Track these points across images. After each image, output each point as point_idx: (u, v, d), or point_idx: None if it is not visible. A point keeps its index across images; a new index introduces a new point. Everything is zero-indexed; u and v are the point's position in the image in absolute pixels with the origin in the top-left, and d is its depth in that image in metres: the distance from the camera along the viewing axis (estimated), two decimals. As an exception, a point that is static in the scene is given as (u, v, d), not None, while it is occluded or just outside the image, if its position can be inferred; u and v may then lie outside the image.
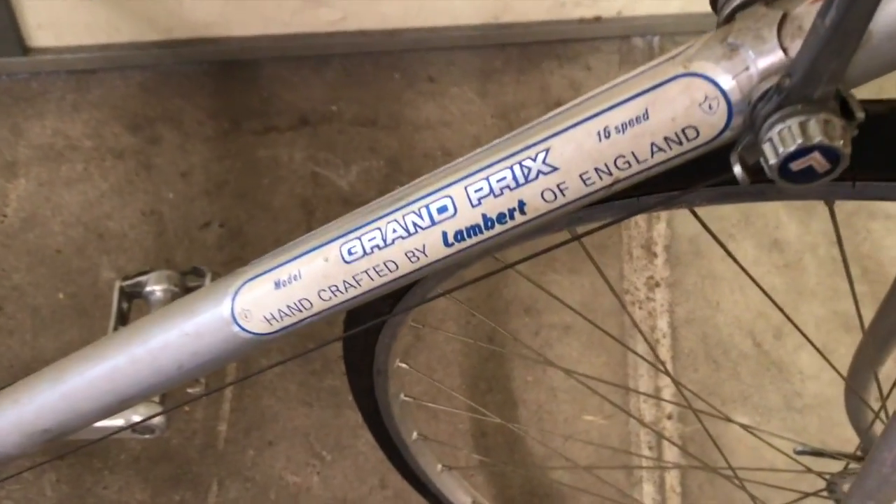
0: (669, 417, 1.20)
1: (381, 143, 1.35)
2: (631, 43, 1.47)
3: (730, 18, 0.35)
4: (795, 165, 0.32)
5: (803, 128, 0.31)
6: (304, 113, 1.36)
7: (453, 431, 1.15)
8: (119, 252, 1.23)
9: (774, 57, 0.32)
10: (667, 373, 0.60)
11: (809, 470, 0.77)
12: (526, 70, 1.43)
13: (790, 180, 0.32)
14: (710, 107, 0.34)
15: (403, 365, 0.78)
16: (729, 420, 0.72)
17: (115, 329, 0.80)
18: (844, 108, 0.33)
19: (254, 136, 1.34)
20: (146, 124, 1.33)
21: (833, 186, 0.43)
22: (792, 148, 0.31)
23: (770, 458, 1.15)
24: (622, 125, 0.35)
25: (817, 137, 0.31)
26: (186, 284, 0.83)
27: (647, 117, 0.35)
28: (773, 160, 0.32)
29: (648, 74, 0.35)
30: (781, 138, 0.32)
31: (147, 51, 1.33)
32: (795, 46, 0.32)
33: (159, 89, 1.36)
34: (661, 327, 1.26)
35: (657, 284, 1.29)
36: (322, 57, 1.40)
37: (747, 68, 0.33)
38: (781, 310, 0.58)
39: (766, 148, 0.32)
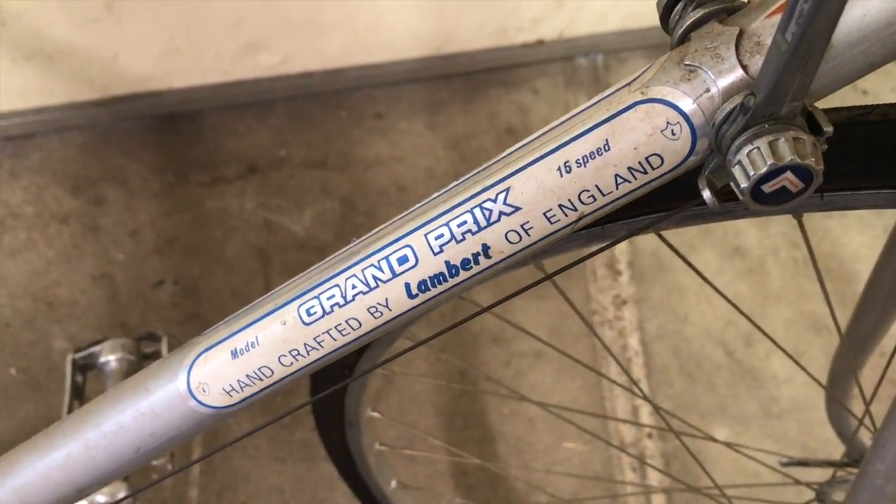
0: (650, 436, 1.19)
1: (333, 184, 1.33)
2: (575, 63, 1.47)
3: (684, 39, 0.34)
4: (768, 187, 0.30)
5: (773, 148, 0.30)
6: (252, 160, 1.34)
7: (433, 473, 1.12)
8: (71, 320, 1.19)
9: (735, 76, 0.31)
10: (645, 397, 0.58)
11: (797, 481, 0.76)
12: (473, 99, 1.42)
13: (763, 203, 0.31)
14: (672, 133, 0.32)
15: (375, 414, 0.76)
16: (712, 439, 0.70)
17: (71, 404, 0.76)
18: (811, 123, 0.31)
19: (202, 189, 1.30)
20: (89, 185, 1.29)
21: (803, 202, 0.42)
22: (763, 170, 0.30)
23: (753, 469, 1.14)
24: (583, 158, 0.34)
25: (788, 157, 0.30)
26: (142, 351, 0.80)
27: (609, 148, 0.33)
28: (744, 184, 0.30)
29: (605, 103, 0.34)
30: (751, 160, 0.30)
31: (84, 110, 1.30)
32: (756, 63, 0.31)
33: (100, 148, 1.32)
34: (633, 345, 1.25)
35: (624, 302, 1.28)
36: (266, 102, 1.38)
37: (708, 90, 0.31)
38: (757, 325, 0.56)
39: (736, 171, 0.31)
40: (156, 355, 0.79)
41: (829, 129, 0.31)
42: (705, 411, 1.20)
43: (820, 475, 0.77)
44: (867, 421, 0.63)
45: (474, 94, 1.43)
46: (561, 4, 1.35)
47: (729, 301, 0.52)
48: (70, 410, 0.75)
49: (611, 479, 1.13)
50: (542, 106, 1.43)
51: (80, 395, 0.78)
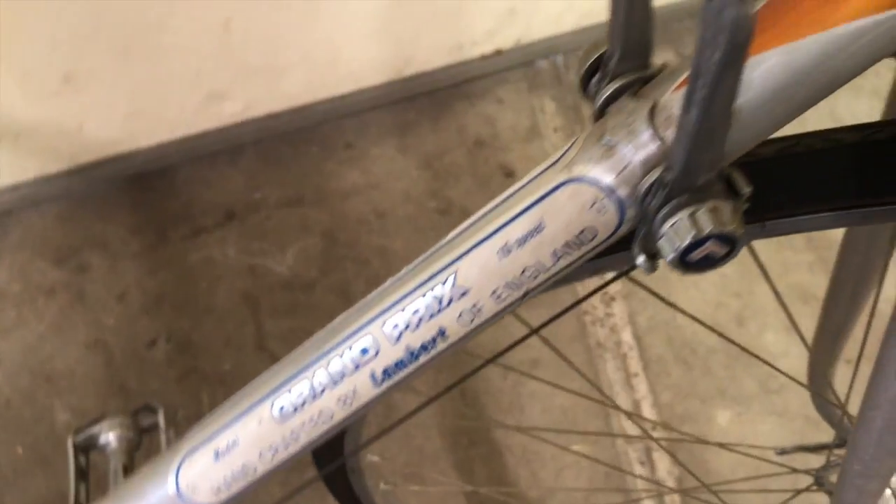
0: (654, 429, 1.20)
1: (312, 219, 1.34)
2: (536, 67, 1.49)
3: (603, 111, 0.35)
4: (694, 256, 0.32)
5: (693, 220, 0.31)
6: (229, 207, 1.35)
7: (444, 495, 1.14)
8: (70, 391, 1.20)
9: (650, 150, 0.32)
10: (627, 414, 0.59)
11: (794, 469, 0.77)
12: (440, 116, 1.43)
13: (692, 269, 0.32)
14: (599, 209, 0.33)
15: (375, 458, 0.77)
16: (703, 442, 0.72)
17: (77, 488, 0.78)
18: (730, 186, 0.33)
19: (183, 242, 1.31)
20: (71, 254, 1.30)
21: (746, 231, 0.43)
22: (686, 242, 0.31)
23: (758, 455, 1.16)
24: (521, 239, 0.35)
25: (708, 227, 0.31)
26: (140, 425, 0.81)
27: (543, 228, 0.34)
28: (670, 255, 0.32)
29: (535, 184, 0.35)
30: (674, 232, 0.31)
31: (57, 182, 1.31)
32: (671, 135, 0.32)
33: (77, 216, 1.33)
34: (626, 340, 1.26)
35: (613, 299, 1.30)
36: (235, 148, 1.38)
37: (627, 165, 0.33)
38: (727, 337, 0.58)
39: (662, 243, 0.32)
40: (153, 428, 0.80)
41: (746, 189, 0.32)
42: (705, 396, 1.22)
43: (817, 459, 0.78)
44: (850, 406, 0.64)
45: (440, 112, 1.44)
46: (513, 13, 1.36)
47: (707, 326, 0.53)
48: (77, 494, 0.77)
49: (616, 489, 1.14)
50: (507, 114, 1.44)
51: (85, 477, 0.79)
